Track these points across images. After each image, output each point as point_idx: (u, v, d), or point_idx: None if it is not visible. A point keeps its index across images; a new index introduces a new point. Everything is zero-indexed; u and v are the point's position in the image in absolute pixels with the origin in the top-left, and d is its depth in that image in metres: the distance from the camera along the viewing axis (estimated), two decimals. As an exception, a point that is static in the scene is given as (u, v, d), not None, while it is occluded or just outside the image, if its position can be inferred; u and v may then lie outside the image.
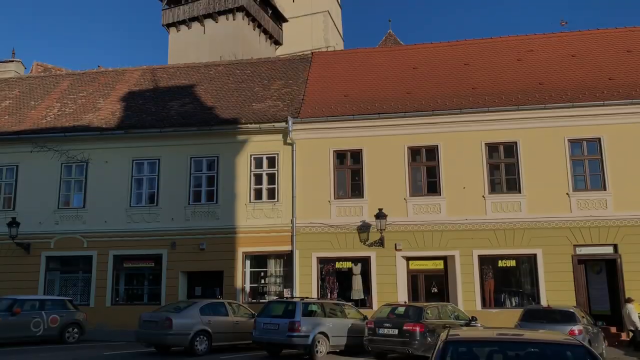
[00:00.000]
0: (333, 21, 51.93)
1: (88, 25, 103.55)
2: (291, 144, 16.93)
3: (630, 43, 18.26)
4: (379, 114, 16.65)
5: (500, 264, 15.82)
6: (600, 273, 16.25)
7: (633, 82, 16.35)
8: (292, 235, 16.52)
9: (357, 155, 16.84)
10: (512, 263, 15.82)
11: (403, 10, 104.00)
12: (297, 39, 47.27)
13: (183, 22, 36.81)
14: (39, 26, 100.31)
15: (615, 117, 15.70)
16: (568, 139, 15.84)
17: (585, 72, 17.30)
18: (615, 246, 15.24)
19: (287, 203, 16.76)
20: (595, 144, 15.83)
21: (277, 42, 40.89)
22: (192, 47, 36.44)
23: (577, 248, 15.38)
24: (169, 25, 37.28)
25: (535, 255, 15.49)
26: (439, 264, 16.17)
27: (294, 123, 16.83)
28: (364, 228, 16.24)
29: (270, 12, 39.40)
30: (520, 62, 18.36)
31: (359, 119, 16.74)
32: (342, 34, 55.56)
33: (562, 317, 11.72)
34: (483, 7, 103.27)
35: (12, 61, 24.22)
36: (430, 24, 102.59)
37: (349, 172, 16.88)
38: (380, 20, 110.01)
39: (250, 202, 16.99)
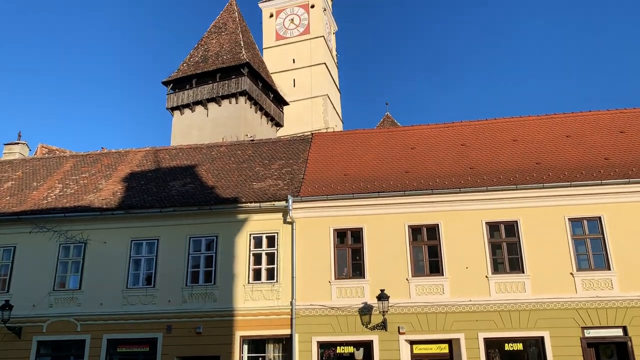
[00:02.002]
0: (332, 104, 53.69)
1: (94, 109, 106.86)
2: (291, 223, 16.88)
3: (622, 124, 18.74)
4: (378, 192, 16.74)
5: (507, 347, 15.25)
6: (612, 358, 15.63)
7: (629, 161, 16.59)
8: (291, 318, 16.05)
9: (357, 234, 16.74)
10: (519, 346, 15.25)
11: (399, 94, 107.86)
12: (298, 120, 48.65)
13: (187, 105, 37.95)
14: (45, 109, 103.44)
15: (613, 196, 15.77)
16: (568, 218, 15.82)
17: (580, 152, 17.61)
18: (624, 328, 14.76)
19: (287, 284, 16.45)
20: (595, 222, 15.79)
21: (278, 124, 41.97)
22: (195, 128, 37.34)
23: (585, 330, 14.89)
24: (173, 109, 38.40)
25: (542, 338, 14.97)
26: (444, 348, 15.59)
27: (294, 202, 16.87)
28: (365, 310, 15.82)
29: (272, 95, 40.73)
30: (516, 142, 18.73)
31: (359, 197, 16.80)
32: (341, 116, 57.25)
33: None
34: (478, 91, 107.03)
35: (18, 143, 24.72)
36: (426, 107, 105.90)
37: (350, 251, 16.70)
38: (378, 103, 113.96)
39: (249, 282, 16.67)
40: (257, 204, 17.08)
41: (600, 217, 15.72)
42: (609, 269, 15.29)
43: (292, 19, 55.32)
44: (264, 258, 16.99)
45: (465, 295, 15.55)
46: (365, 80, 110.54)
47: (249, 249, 17.01)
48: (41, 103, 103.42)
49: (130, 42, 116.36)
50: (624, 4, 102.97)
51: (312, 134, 22.36)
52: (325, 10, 56.48)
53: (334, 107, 54.74)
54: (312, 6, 54.93)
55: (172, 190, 18.80)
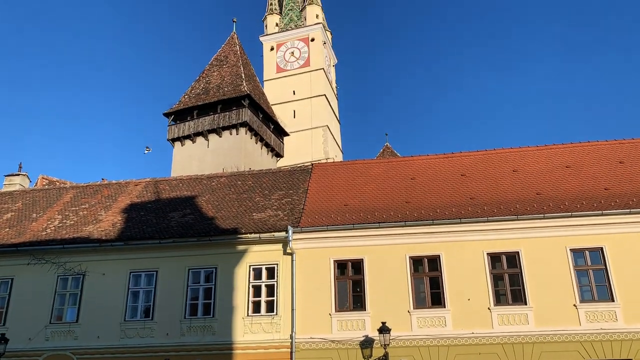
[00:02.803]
0: (332, 135, 54.04)
1: (95, 140, 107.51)
2: (291, 254, 16.76)
3: (621, 154, 18.82)
4: (379, 223, 16.68)
5: (511, 381, 14.96)
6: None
7: (629, 191, 16.59)
8: (291, 352, 15.78)
9: (358, 265, 16.60)
10: (524, 380, 14.95)
11: (399, 125, 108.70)
12: (298, 151, 48.88)
13: (188, 136, 38.16)
14: (46, 140, 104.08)
15: (615, 227, 15.71)
16: (570, 249, 15.73)
17: (580, 182, 17.62)
18: (630, 362, 14.51)
19: (287, 316, 16.22)
20: (597, 253, 15.69)
21: (279, 155, 42.13)
22: (196, 159, 37.46)
23: (590, 363, 14.63)
24: (174, 140, 38.60)
25: (547, 372, 14.69)
26: (447, 382, 15.27)
27: (294, 232, 16.79)
28: (366, 343, 15.56)
29: (272, 126, 41.01)
30: (516, 172, 18.77)
31: (359, 228, 16.73)
32: (341, 147, 57.54)
33: None
34: (478, 121, 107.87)
35: (19, 175, 24.77)
36: (426, 138, 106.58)
37: (350, 283, 16.53)
38: (378, 134, 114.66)
39: (248, 315, 16.45)
40: (257, 235, 16.99)
41: (602, 248, 15.62)
42: (613, 301, 15.11)
43: (293, 52, 56.17)
44: (263, 290, 16.81)
45: (467, 327, 15.32)
46: (365, 111, 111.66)
47: (249, 280, 16.85)
48: (43, 134, 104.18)
49: (132, 74, 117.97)
50: (624, 36, 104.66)
51: (312, 164, 22.43)
52: (325, 43, 57.39)
53: (334, 138, 55.08)
54: (312, 39, 55.85)
55: (172, 222, 18.75)
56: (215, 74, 40.15)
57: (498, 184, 18.30)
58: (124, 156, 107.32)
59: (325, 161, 45.05)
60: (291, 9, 58.91)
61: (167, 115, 39.03)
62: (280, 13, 58.93)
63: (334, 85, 59.95)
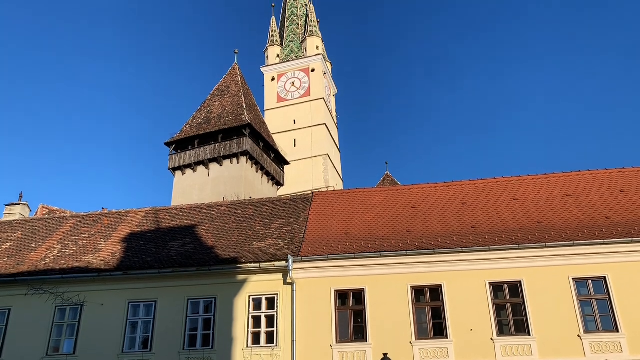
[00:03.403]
0: (332, 163, 54.22)
1: (96, 169, 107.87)
2: (291, 284, 16.60)
3: (621, 183, 18.83)
4: (380, 252, 16.57)
5: (516, 415, 14.64)
6: None
7: (630, 220, 16.54)
8: (291, 384, 15.50)
9: (359, 295, 16.43)
10: (529, 414, 14.64)
11: (399, 153, 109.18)
12: (298, 179, 48.98)
13: (189, 165, 38.27)
14: (47, 169, 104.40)
15: (617, 256, 15.61)
16: (573, 278, 15.59)
17: (581, 211, 17.58)
18: (637, 393, 14.22)
19: (287, 348, 15.97)
20: (600, 282, 15.54)
21: (279, 183, 42.16)
22: (196, 188, 37.47)
23: (596, 396, 14.35)
24: (174, 169, 38.70)
25: (553, 405, 14.39)
26: (450, 416, 14.95)
27: (294, 261, 16.67)
28: (368, 375, 15.29)
29: (273, 155, 41.16)
30: (516, 201, 18.74)
31: (360, 257, 16.62)
32: (341, 175, 57.67)
33: None
34: (477, 150, 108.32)
35: (19, 204, 24.73)
36: (426, 166, 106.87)
37: (351, 313, 16.32)
38: (378, 162, 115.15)
39: (247, 347, 16.20)
40: (257, 265, 16.87)
41: (605, 277, 15.48)
42: (617, 331, 14.91)
43: (293, 82, 56.81)
44: (263, 321, 16.60)
45: (470, 358, 15.08)
46: (365, 140, 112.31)
47: (248, 311, 16.65)
48: (44, 163, 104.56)
49: (134, 104, 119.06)
50: (623, 68, 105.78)
51: (313, 192, 22.42)
52: (325, 74, 58.09)
53: (334, 166, 55.24)
54: (313, 70, 56.55)
55: (172, 251, 18.64)
56: (217, 103, 40.50)
57: (499, 212, 18.26)
58: (125, 185, 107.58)
59: (325, 190, 45.06)
60: (292, 41, 59.83)
61: (168, 144, 39.23)
62: (281, 44, 59.82)
63: (334, 114, 60.45)
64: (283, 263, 16.72)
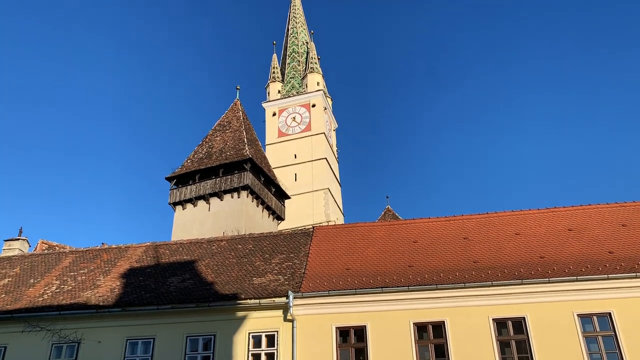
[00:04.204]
0: (333, 197, 54.23)
1: (96, 204, 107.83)
2: (292, 321, 16.35)
3: (623, 217, 18.76)
4: (382, 287, 16.38)
5: None
6: None
7: (633, 255, 16.40)
8: None
9: (360, 332, 16.16)
10: None
11: (400, 188, 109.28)
12: (299, 214, 48.87)
13: (189, 200, 38.26)
14: (47, 204, 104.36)
15: (622, 291, 15.41)
16: (577, 314, 15.34)
17: (584, 245, 17.46)
18: None
19: (287, 386, 15.62)
20: (606, 318, 15.29)
21: (280, 218, 42.05)
22: (197, 223, 37.35)
23: None
24: (175, 204, 38.66)
25: None
26: None
27: (294, 298, 16.46)
28: (370, 415, 14.89)
29: (274, 190, 41.19)
30: (518, 236, 18.64)
31: (362, 293, 16.42)
32: (342, 209, 57.58)
33: None
34: (478, 184, 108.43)
35: (18, 239, 24.64)
36: (426, 201, 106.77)
37: (353, 351, 16.00)
38: (379, 197, 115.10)
39: (247, 385, 15.85)
40: (257, 301, 16.66)
41: (610, 313, 15.24)
42: (625, 369, 14.57)
43: (294, 117, 57.38)
44: (263, 358, 16.28)
45: (475, 398, 14.69)
46: (366, 174, 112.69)
47: (248, 349, 16.34)
48: (44, 198, 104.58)
49: (135, 139, 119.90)
50: (624, 101, 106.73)
51: (313, 227, 22.33)
52: (325, 109, 58.73)
53: (335, 201, 55.22)
54: (314, 105, 57.20)
55: (171, 287, 18.45)
56: (218, 138, 40.79)
57: (501, 247, 18.13)
58: (126, 220, 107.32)
59: (326, 224, 44.91)
60: (293, 77, 60.72)
61: (169, 179, 39.31)
62: (283, 81, 60.67)
63: (335, 148, 60.80)
64: (283, 299, 16.51)
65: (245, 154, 37.78)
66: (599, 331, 15.21)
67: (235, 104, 44.16)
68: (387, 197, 54.47)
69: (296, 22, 65.65)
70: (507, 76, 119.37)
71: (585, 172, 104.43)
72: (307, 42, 63.93)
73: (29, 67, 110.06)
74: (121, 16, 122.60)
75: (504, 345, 15.50)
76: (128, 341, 16.92)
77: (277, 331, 16.45)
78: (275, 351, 16.21)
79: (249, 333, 16.55)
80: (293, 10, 67.00)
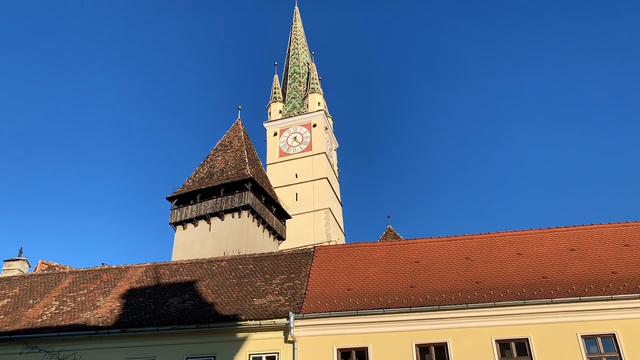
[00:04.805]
0: (334, 217, 54.11)
1: (97, 224, 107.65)
2: (292, 342, 16.18)
3: (626, 237, 18.67)
4: (383, 308, 16.24)
5: None
6: None
7: (637, 275, 16.28)
8: None
9: (362, 353, 15.97)
10: None
11: (401, 207, 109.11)
12: (300, 233, 48.73)
13: (190, 220, 38.19)
14: (48, 224, 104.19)
15: (626, 312, 15.26)
16: (581, 335, 15.17)
17: (587, 265, 17.35)
18: None
19: (288, 410, 15.39)
20: (610, 339, 15.11)
21: (280, 237, 41.92)
22: (197, 243, 37.23)
23: None
24: (176, 224, 38.59)
25: None
26: None
27: (295, 319, 16.32)
28: None
29: (275, 209, 41.14)
30: (520, 255, 18.54)
31: (363, 314, 16.28)
32: (343, 229, 57.40)
33: None
34: (479, 204, 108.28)
35: (18, 260, 24.51)
36: (428, 220, 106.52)
37: (354, 373, 15.83)
38: (380, 216, 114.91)
39: (247, 408, 15.62)
40: (257, 322, 16.52)
41: (614, 334, 15.07)
42: (631, 392, 14.36)
43: (295, 137, 57.60)
44: (263, 381, 16.09)
45: (479, 421, 14.46)
46: (367, 194, 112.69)
47: (248, 370, 16.16)
48: (44, 218, 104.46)
49: (136, 159, 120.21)
50: (626, 120, 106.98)
51: (315, 247, 22.23)
52: (326, 128, 58.98)
53: (336, 220, 55.09)
54: (314, 125, 57.46)
55: (171, 307, 18.30)
56: (220, 158, 40.89)
57: (503, 267, 18.02)
58: (126, 240, 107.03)
59: (327, 244, 44.75)
60: (294, 97, 61.15)
61: (170, 199, 39.30)
62: (284, 101, 61.08)
63: (336, 168, 60.90)
64: (284, 320, 16.37)
65: (247, 173, 37.83)
66: (604, 352, 15.03)
67: (237, 124, 44.37)
68: (389, 217, 54.51)
69: (297, 44, 66.35)
70: (506, 95, 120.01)
71: (586, 191, 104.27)
72: (308, 63, 64.52)
73: (39, 91, 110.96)
74: (123, 35, 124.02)
75: (507, 367, 15.31)
76: (127, 363, 16.74)
77: (277, 352, 16.27)
78: (275, 373, 16.01)
79: (250, 354, 16.38)
80: (294, 32, 67.78)
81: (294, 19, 69.05)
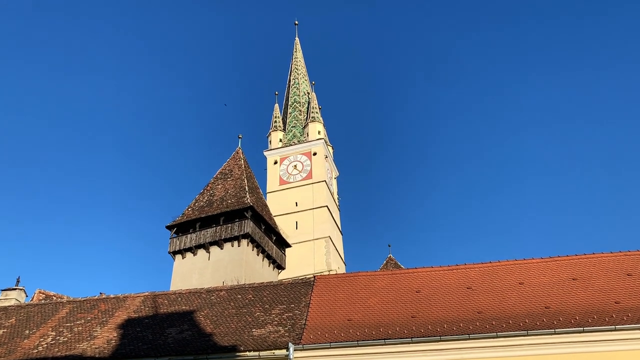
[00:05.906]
0: (335, 246, 53.81)
1: (95, 253, 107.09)
2: (292, 375, 15.93)
3: (628, 267, 18.56)
4: (384, 339, 16.03)
5: None
6: None
7: (640, 305, 16.11)
8: None
9: (362, 386, 15.71)
10: None
11: (402, 236, 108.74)
12: (300, 262, 48.34)
13: (189, 249, 38.00)
14: (46, 253, 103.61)
15: (629, 343, 15.04)
16: (586, 367, 14.96)
17: (589, 295, 17.20)
18: None
19: None
20: (615, 371, 14.88)
21: (280, 267, 41.63)
22: (196, 272, 36.95)
23: None
24: (175, 253, 38.38)
25: None
26: None
27: (295, 350, 16.09)
28: None
29: (274, 238, 40.97)
30: (522, 285, 18.39)
31: (364, 345, 16.05)
32: (343, 258, 57.02)
33: None
34: (480, 234, 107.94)
35: (15, 289, 24.32)
36: (428, 249, 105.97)
37: (355, 406, 15.52)
38: (380, 245, 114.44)
39: None
40: (256, 353, 16.29)
41: (620, 366, 14.84)
42: None
43: (296, 165, 57.77)
44: (262, 414, 15.77)
45: None
46: (367, 223, 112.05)
47: (247, 403, 15.85)
48: (42, 247, 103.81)
49: (135, 188, 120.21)
50: (628, 148, 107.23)
51: (315, 276, 22.06)
52: (327, 157, 59.21)
53: (337, 249, 54.77)
54: (315, 154, 57.70)
55: (169, 338, 18.07)
56: (220, 186, 40.93)
57: (505, 297, 17.85)
58: (125, 269, 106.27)
59: (327, 273, 44.39)
60: (294, 126, 61.58)
61: (169, 227, 39.18)
62: (284, 130, 61.49)
63: (336, 197, 60.87)
64: (283, 351, 16.14)
65: (246, 202, 37.81)
66: (609, 385, 14.77)
67: (237, 153, 44.57)
68: (389, 246, 54.08)
69: (298, 73, 67.16)
70: (502, 119, 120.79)
71: (587, 221, 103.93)
72: (308, 92, 65.20)
73: (39, 114, 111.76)
74: (122, 60, 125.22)
75: (511, 400, 15.02)
76: (123, 395, 16.44)
77: (277, 385, 15.98)
78: (274, 406, 15.70)
79: (248, 387, 16.09)
80: (295, 62, 68.67)
81: (294, 50, 70.02)
